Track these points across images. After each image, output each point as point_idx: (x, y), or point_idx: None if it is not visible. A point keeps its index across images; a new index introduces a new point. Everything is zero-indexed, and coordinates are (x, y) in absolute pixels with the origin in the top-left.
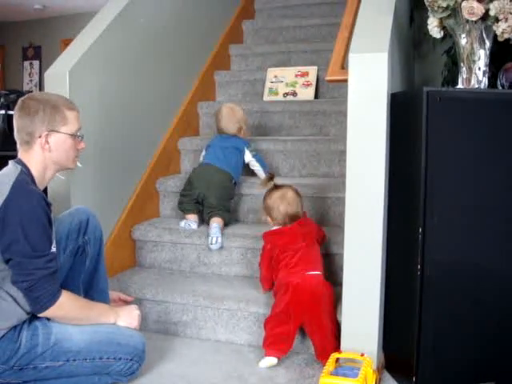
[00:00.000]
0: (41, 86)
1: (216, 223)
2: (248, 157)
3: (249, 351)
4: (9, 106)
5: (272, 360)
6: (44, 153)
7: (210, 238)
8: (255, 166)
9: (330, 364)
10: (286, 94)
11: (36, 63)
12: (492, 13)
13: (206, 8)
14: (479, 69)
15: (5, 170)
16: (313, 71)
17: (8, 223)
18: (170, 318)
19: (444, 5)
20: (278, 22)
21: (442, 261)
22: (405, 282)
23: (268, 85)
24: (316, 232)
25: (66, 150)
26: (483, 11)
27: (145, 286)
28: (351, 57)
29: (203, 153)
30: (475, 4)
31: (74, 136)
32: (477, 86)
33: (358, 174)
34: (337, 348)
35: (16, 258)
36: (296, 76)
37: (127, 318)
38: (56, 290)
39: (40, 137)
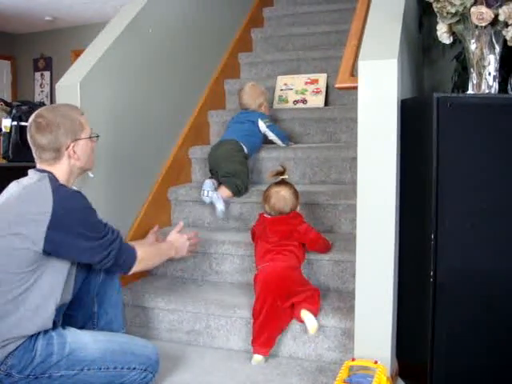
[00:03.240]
0: (52, 97)
1: (219, 193)
2: (262, 127)
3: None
4: (21, 117)
5: (258, 357)
6: (71, 161)
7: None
8: (272, 137)
9: (344, 372)
10: (295, 102)
11: (47, 74)
12: (501, 18)
13: (216, 17)
14: (489, 74)
15: (31, 180)
16: (322, 78)
17: (66, 224)
18: (183, 326)
19: (453, 10)
20: (287, 30)
21: (455, 267)
22: (417, 288)
23: (278, 92)
24: (295, 231)
25: (88, 153)
26: (492, 16)
27: (157, 294)
28: (361, 64)
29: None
30: (484, 9)
31: (91, 138)
32: (487, 92)
33: (369, 180)
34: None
35: (88, 246)
36: (306, 83)
37: (180, 249)
38: (132, 249)
39: (67, 148)
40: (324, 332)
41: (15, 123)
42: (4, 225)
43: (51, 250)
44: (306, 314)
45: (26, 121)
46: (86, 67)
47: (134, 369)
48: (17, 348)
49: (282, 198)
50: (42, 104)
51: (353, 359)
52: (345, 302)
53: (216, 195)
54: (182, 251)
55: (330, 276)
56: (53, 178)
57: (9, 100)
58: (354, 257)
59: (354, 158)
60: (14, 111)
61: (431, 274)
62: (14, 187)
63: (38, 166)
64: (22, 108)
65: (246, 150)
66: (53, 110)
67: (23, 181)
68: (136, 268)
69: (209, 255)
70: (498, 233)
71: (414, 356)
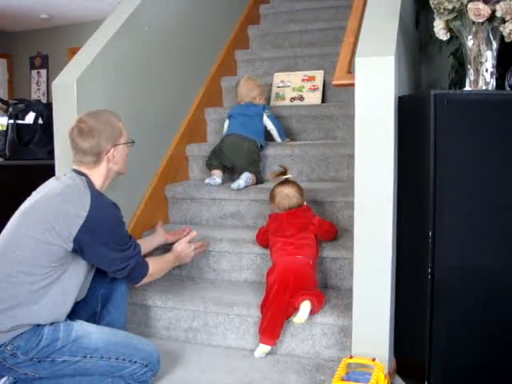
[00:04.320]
0: (48, 95)
1: (247, 173)
2: (264, 117)
3: (259, 357)
4: (17, 115)
5: (265, 348)
6: (109, 165)
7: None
8: (270, 127)
9: (342, 369)
10: (292, 99)
11: (43, 72)
12: (498, 14)
13: (212, 14)
14: (486, 70)
15: (70, 180)
16: (319, 75)
17: (96, 231)
18: (181, 324)
19: (450, 7)
20: (283, 27)
21: (453, 264)
22: (415, 285)
23: (275, 90)
24: (311, 224)
25: (124, 159)
26: (489, 12)
27: (155, 292)
28: (358, 61)
29: (226, 122)
30: (481, 5)
31: (128, 143)
32: (484, 88)
33: (366, 177)
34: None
35: (110, 256)
36: (303, 80)
37: (184, 255)
38: (146, 265)
39: (107, 153)
40: (322, 329)
41: (12, 121)
42: (41, 218)
43: (78, 250)
44: (305, 305)
45: (23, 119)
46: (82, 65)
47: (135, 362)
48: (25, 331)
49: (285, 196)
50: (38, 102)
51: (350, 357)
52: (342, 299)
53: (245, 176)
54: (185, 260)
55: (327, 273)
56: (91, 184)
57: (5, 98)
58: (352, 254)
59: (352, 155)
60: (10, 109)
61: (429, 271)
62: (53, 183)
63: (76, 167)
64: (19, 106)
65: (259, 145)
66: (95, 116)
67: (63, 179)
68: (143, 282)
69: (206, 253)
70: (495, 230)
71: (411, 353)
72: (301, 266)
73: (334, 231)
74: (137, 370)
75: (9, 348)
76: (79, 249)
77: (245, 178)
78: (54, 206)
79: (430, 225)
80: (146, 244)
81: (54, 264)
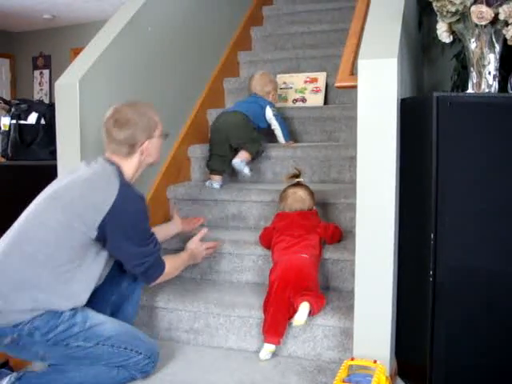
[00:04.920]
0: (51, 95)
1: (239, 159)
2: (269, 114)
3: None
4: (20, 115)
5: (270, 347)
6: (141, 158)
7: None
8: (275, 127)
9: (343, 371)
10: (295, 101)
11: (46, 72)
12: (501, 17)
13: (215, 15)
14: (489, 73)
15: (101, 168)
16: (322, 77)
17: (120, 221)
18: (182, 325)
19: (453, 9)
20: (286, 29)
21: (454, 266)
22: (417, 287)
23: (277, 91)
24: (317, 226)
25: (158, 150)
26: (492, 15)
27: (156, 294)
28: (360, 63)
29: None
30: (484, 8)
31: (163, 136)
32: (487, 91)
33: (368, 179)
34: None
35: (130, 249)
36: (305, 82)
37: (196, 254)
38: (163, 264)
39: (141, 145)
40: (323, 331)
41: (14, 121)
42: (68, 203)
43: (101, 239)
44: (304, 307)
45: (25, 119)
46: (85, 65)
47: (141, 353)
48: (45, 312)
49: (299, 198)
50: (41, 102)
51: (352, 358)
52: (344, 301)
53: (240, 162)
54: (197, 259)
55: (329, 275)
56: (121, 174)
57: (8, 98)
58: (354, 256)
59: (354, 157)
60: (12, 109)
61: (431, 273)
62: (83, 168)
63: (108, 155)
64: (21, 106)
65: (252, 121)
66: (132, 107)
67: (94, 165)
68: (159, 280)
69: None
70: (497, 232)
71: (413, 355)
72: (303, 264)
73: (339, 233)
74: (141, 361)
75: (27, 327)
76: (102, 238)
77: (241, 166)
78: (81, 192)
79: (431, 226)
80: (163, 232)
81: (77, 250)
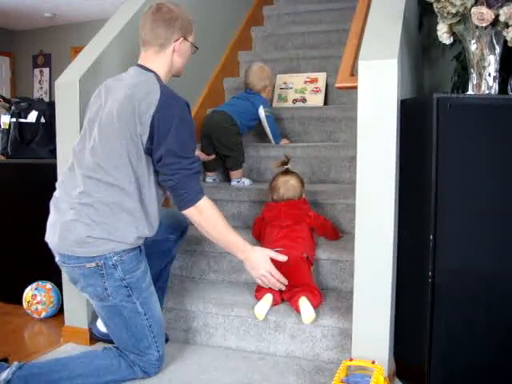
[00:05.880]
0: (51, 94)
1: (235, 180)
2: (261, 114)
3: (259, 358)
4: (20, 113)
5: (267, 297)
6: (173, 57)
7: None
8: (266, 128)
9: (341, 371)
10: (295, 101)
11: (46, 71)
12: (502, 18)
13: (216, 15)
14: (489, 74)
15: (136, 76)
16: (322, 77)
17: (161, 126)
18: (180, 325)
19: (453, 11)
20: (286, 29)
21: (454, 267)
22: (416, 288)
23: (277, 91)
24: (306, 216)
25: (186, 59)
26: (493, 17)
27: None
28: (360, 64)
29: None
30: (485, 10)
31: (193, 46)
32: (487, 92)
33: (368, 180)
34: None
35: (166, 159)
36: (305, 82)
37: (256, 265)
38: (198, 190)
39: (176, 41)
40: (322, 331)
41: (14, 120)
42: (123, 124)
43: (152, 136)
44: (304, 302)
45: (25, 117)
46: (85, 64)
47: (158, 352)
48: (133, 253)
49: (291, 187)
50: (41, 101)
51: (350, 359)
52: (343, 301)
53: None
54: (255, 270)
55: (328, 275)
56: (159, 79)
57: (8, 96)
58: (353, 256)
59: (353, 158)
60: (12, 108)
61: (430, 274)
62: (115, 84)
63: (142, 61)
64: (21, 105)
65: (237, 124)
66: (175, 4)
67: (128, 78)
68: (192, 214)
69: (207, 254)
70: (497, 233)
71: (411, 356)
72: (298, 261)
73: (331, 229)
74: (153, 360)
75: (115, 258)
76: (152, 134)
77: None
78: (128, 108)
79: (431, 227)
80: None
81: (133, 163)
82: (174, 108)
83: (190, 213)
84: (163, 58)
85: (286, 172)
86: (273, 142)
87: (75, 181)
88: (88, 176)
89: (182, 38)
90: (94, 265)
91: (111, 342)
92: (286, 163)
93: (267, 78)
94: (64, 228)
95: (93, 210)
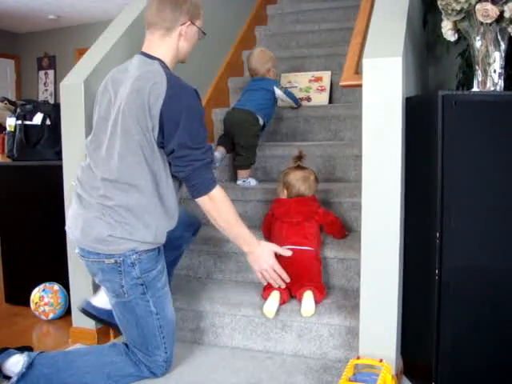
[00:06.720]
0: (56, 96)
1: (241, 180)
2: (278, 92)
3: (266, 357)
4: (25, 116)
5: (275, 294)
6: (179, 41)
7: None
8: (286, 100)
9: (349, 370)
10: (300, 100)
11: (51, 73)
12: (507, 15)
13: (219, 14)
14: (494, 71)
15: (141, 66)
16: (327, 76)
17: (170, 117)
18: (187, 325)
19: (458, 7)
20: (290, 28)
21: (460, 265)
22: (422, 286)
23: None
24: (316, 214)
25: (193, 44)
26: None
27: None
28: (365, 62)
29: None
30: (489, 6)
31: (200, 32)
32: (492, 89)
33: (373, 178)
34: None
35: (178, 151)
36: (310, 81)
37: (260, 258)
38: (210, 179)
39: (182, 25)
40: (329, 330)
41: (19, 122)
42: (133, 120)
43: (162, 130)
44: (308, 296)
45: (31, 120)
46: (90, 66)
47: (166, 353)
48: (151, 253)
49: (312, 183)
50: (46, 103)
51: (358, 357)
52: (350, 300)
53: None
54: (257, 263)
55: (334, 274)
56: (164, 66)
57: (13, 99)
58: (359, 255)
59: (359, 156)
60: (18, 110)
61: (436, 272)
62: (121, 76)
63: (146, 49)
64: (27, 107)
65: (261, 121)
66: None
67: (133, 69)
68: (205, 202)
69: (213, 253)
70: (503, 231)
71: (419, 354)
72: (308, 259)
73: (340, 227)
74: (160, 360)
75: (134, 257)
76: (161, 123)
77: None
78: (137, 103)
79: (437, 225)
80: None
81: (147, 157)
82: (182, 98)
83: (202, 200)
84: (169, 43)
85: (301, 167)
86: (295, 106)
87: (95, 181)
88: (106, 178)
89: (189, 22)
90: (112, 261)
91: (104, 321)
92: (300, 158)
93: (270, 61)
94: (87, 224)
95: (114, 212)
